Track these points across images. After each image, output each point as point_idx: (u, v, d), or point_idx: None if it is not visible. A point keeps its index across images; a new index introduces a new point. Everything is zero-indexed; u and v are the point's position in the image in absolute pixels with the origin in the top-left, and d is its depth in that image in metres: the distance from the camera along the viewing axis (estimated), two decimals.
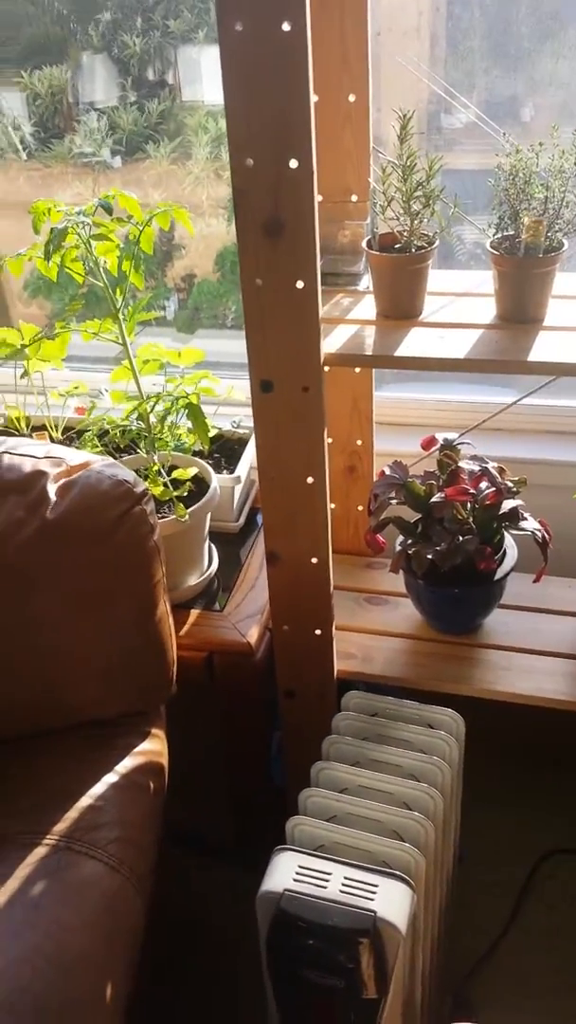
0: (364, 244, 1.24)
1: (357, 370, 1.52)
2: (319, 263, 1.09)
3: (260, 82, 0.98)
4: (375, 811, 1.15)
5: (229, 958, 1.54)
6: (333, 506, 1.64)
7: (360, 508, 1.65)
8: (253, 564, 1.59)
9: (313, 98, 1.25)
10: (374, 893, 1.05)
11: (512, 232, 1.21)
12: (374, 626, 1.56)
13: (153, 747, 1.25)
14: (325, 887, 1.06)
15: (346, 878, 1.06)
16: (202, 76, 1.78)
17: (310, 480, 1.25)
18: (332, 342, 1.21)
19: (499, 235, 1.21)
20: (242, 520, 1.67)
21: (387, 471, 1.47)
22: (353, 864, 1.08)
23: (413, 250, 1.21)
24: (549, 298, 1.22)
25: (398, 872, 1.07)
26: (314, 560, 1.33)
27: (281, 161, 1.01)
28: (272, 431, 1.21)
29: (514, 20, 1.50)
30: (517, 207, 1.18)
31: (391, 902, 1.04)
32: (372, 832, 1.13)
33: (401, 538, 1.48)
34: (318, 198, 1.33)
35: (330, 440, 1.58)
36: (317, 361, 1.15)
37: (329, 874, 1.07)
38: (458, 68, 1.56)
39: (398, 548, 1.47)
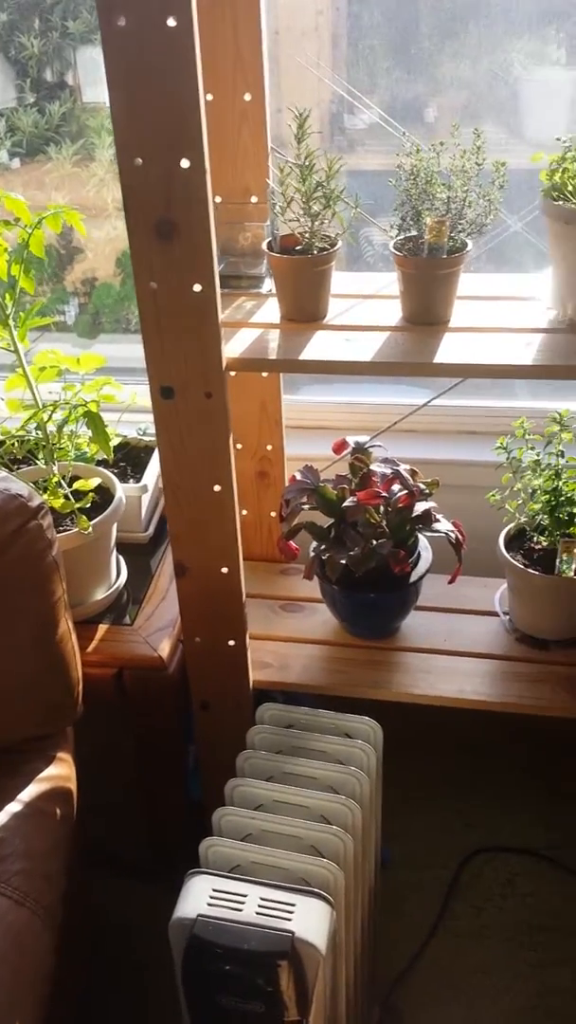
0: (264, 246, 1.21)
1: (264, 374, 1.49)
2: (218, 266, 1.06)
3: (146, 79, 0.94)
4: (292, 827, 1.12)
5: (148, 984, 1.50)
6: (244, 512, 1.62)
7: (272, 514, 1.62)
8: (164, 575, 1.55)
9: (207, 96, 1.24)
10: (291, 913, 1.02)
11: (415, 233, 1.19)
12: (290, 634, 1.53)
13: (59, 772, 1.20)
14: (241, 910, 1.03)
15: (262, 899, 1.03)
16: (103, 78, 1.74)
17: (217, 488, 1.22)
18: (235, 346, 1.18)
19: (402, 236, 1.20)
20: (151, 530, 1.63)
21: (298, 476, 1.45)
22: (269, 884, 1.04)
23: (315, 252, 1.18)
24: (454, 299, 1.21)
25: (316, 889, 1.04)
26: (224, 569, 1.30)
27: (171, 160, 0.97)
28: (176, 438, 1.18)
29: (415, 20, 1.49)
30: (419, 207, 1.17)
31: (309, 921, 1.01)
32: (289, 849, 1.10)
33: (314, 544, 1.45)
34: (216, 199, 1.31)
35: (239, 446, 1.55)
36: (219, 366, 1.12)
37: (244, 896, 1.03)
38: (360, 69, 1.55)
39: (311, 554, 1.45)
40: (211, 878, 1.05)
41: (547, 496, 1.44)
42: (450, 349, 1.16)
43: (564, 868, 1.64)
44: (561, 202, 1.13)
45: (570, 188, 1.13)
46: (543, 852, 1.66)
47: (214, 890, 1.04)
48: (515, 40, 1.49)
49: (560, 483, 1.43)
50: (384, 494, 1.41)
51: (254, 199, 1.31)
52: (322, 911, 1.03)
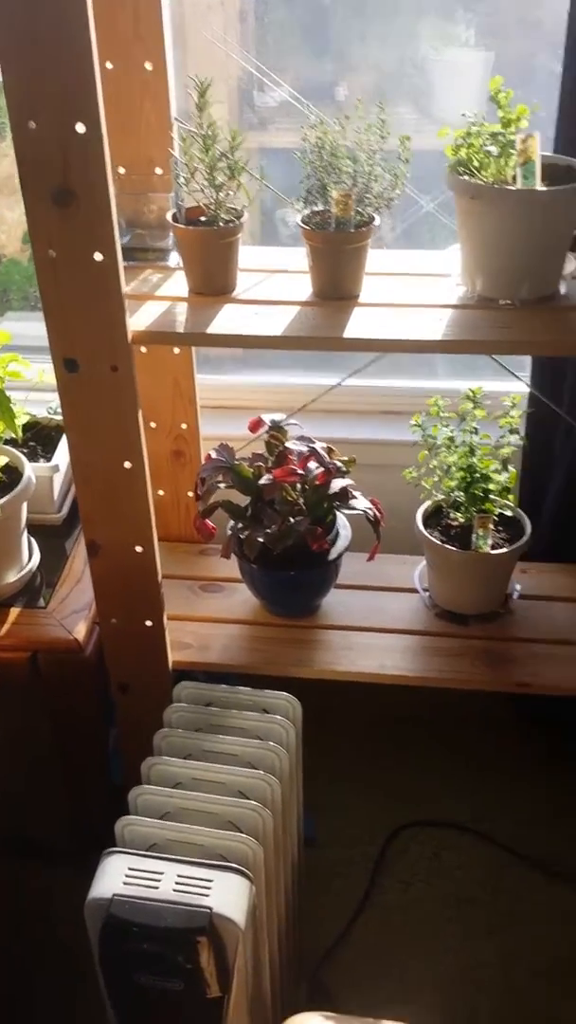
0: (169, 218, 1.20)
1: (176, 350, 1.47)
2: (123, 238, 1.04)
3: (37, 39, 0.92)
4: (209, 803, 1.11)
5: (72, 967, 1.47)
6: (161, 493, 1.60)
7: (190, 494, 1.61)
8: (79, 557, 1.52)
9: (107, 65, 1.22)
10: (209, 889, 1.01)
11: (323, 207, 1.19)
12: (210, 614, 1.52)
13: None
14: (157, 887, 1.01)
15: (179, 876, 1.02)
16: None
17: (128, 465, 1.20)
18: (141, 319, 1.16)
19: (309, 210, 1.19)
20: (65, 511, 1.60)
21: (213, 454, 1.44)
22: (186, 861, 1.03)
23: (221, 224, 1.17)
24: (363, 274, 1.21)
25: (234, 864, 1.03)
26: (139, 548, 1.28)
27: (67, 124, 0.95)
28: (82, 414, 1.16)
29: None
30: (325, 180, 1.17)
31: (228, 896, 1.00)
32: (207, 825, 1.09)
33: (231, 522, 1.44)
34: (120, 170, 1.30)
35: (153, 424, 1.53)
36: (124, 339, 1.10)
37: (161, 873, 1.02)
38: (269, 46, 1.54)
39: (229, 533, 1.44)
40: (127, 857, 1.04)
41: (462, 473, 1.45)
42: (360, 324, 1.16)
43: (489, 840, 1.66)
44: (467, 177, 1.14)
45: (475, 163, 1.14)
46: (468, 825, 1.69)
47: (130, 869, 1.03)
48: (424, 20, 1.50)
49: (474, 460, 1.44)
50: (300, 471, 1.41)
51: (159, 171, 1.29)
52: (241, 886, 1.02)
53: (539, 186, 1.13)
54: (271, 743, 1.18)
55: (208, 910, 0.99)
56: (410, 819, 1.70)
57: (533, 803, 1.72)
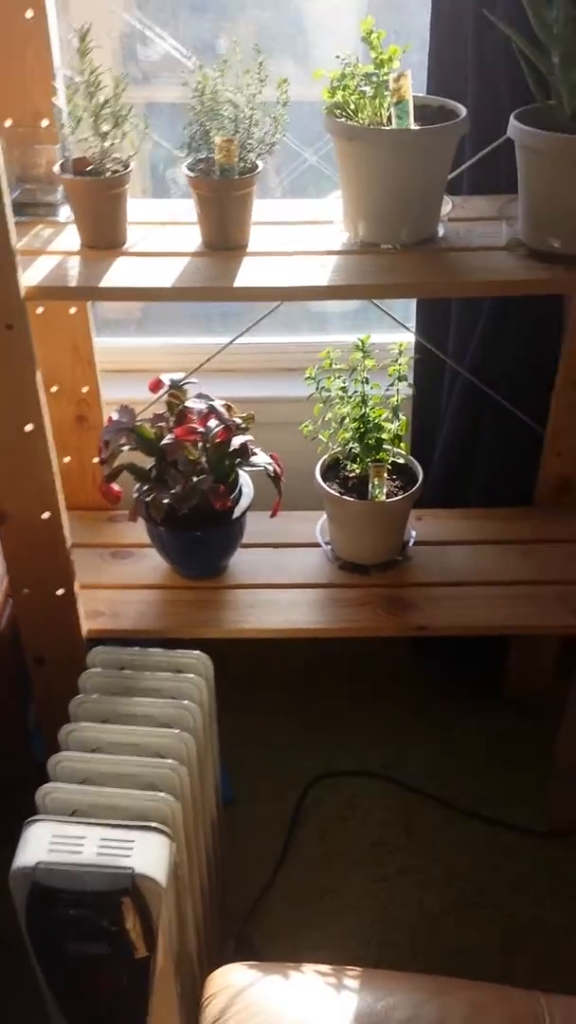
0: (57, 169, 1.16)
1: (72, 311, 1.44)
2: (13, 193, 1.01)
3: None
4: (127, 765, 1.10)
5: (4, 943, 1.45)
6: (67, 459, 1.57)
7: (95, 460, 1.57)
8: None
9: None
10: (131, 849, 1.00)
11: (207, 155, 1.17)
12: (121, 580, 1.51)
13: None
14: (81, 852, 1.00)
15: (102, 839, 1.01)
16: None
17: (29, 428, 1.17)
18: (33, 275, 1.13)
19: (193, 158, 1.18)
20: None
21: (115, 416, 1.42)
22: (108, 824, 1.02)
23: (108, 174, 1.14)
24: (249, 223, 1.21)
25: (154, 824, 1.03)
26: (45, 515, 1.25)
27: None
28: None
29: None
30: (207, 126, 1.15)
31: (149, 855, 1.00)
32: (127, 787, 1.08)
33: (137, 485, 1.43)
34: (7, 123, 1.25)
35: (54, 388, 1.50)
36: (17, 295, 1.07)
37: (83, 838, 1.01)
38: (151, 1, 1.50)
39: (135, 496, 1.42)
40: (49, 824, 1.03)
41: (356, 424, 1.46)
42: (249, 273, 1.16)
43: (398, 784, 1.70)
44: (343, 119, 1.14)
45: (351, 105, 1.14)
46: (378, 772, 1.72)
47: (53, 836, 1.01)
48: None
49: (367, 410, 1.46)
50: (201, 429, 1.40)
51: (45, 122, 1.25)
52: (161, 844, 1.02)
53: (413, 126, 1.14)
54: (185, 701, 1.17)
55: (130, 870, 0.98)
56: (325, 770, 1.72)
57: (437, 744, 1.78)
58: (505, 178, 1.32)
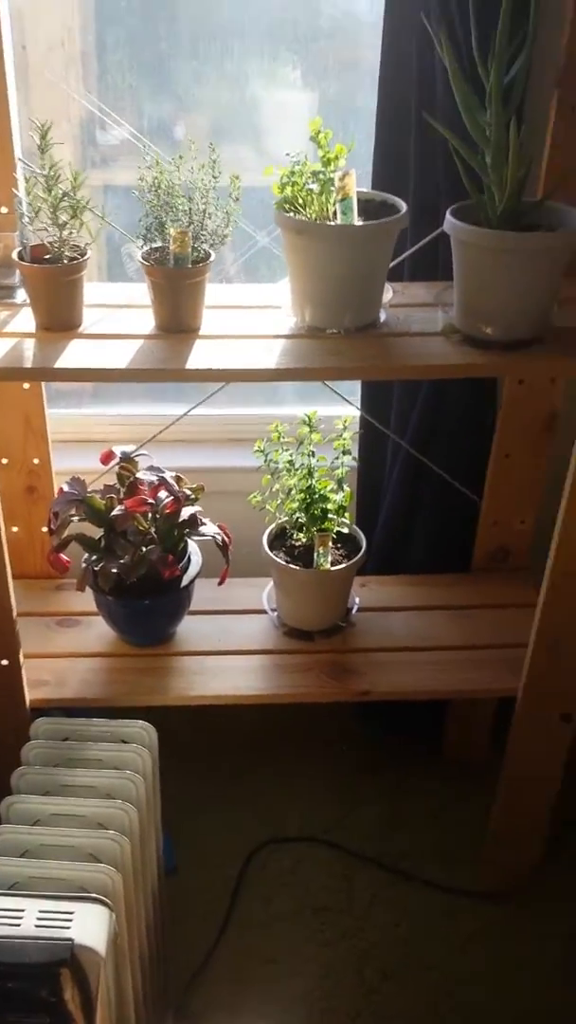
0: (15, 256, 1.21)
1: (25, 386, 1.48)
2: None
3: None
4: (69, 837, 1.11)
5: None
6: (15, 529, 1.59)
7: (44, 529, 1.60)
8: None
9: None
10: (70, 921, 1.01)
11: (161, 244, 1.23)
12: (67, 649, 1.52)
13: None
14: (19, 924, 1.01)
15: (41, 911, 1.02)
16: None
17: None
18: None
19: (148, 247, 1.23)
20: None
21: (66, 488, 1.45)
22: (46, 896, 1.03)
23: (65, 261, 1.19)
24: (203, 307, 1.26)
25: (94, 895, 1.04)
26: None
27: None
28: None
29: (156, 40, 1.53)
30: (162, 218, 1.21)
31: (88, 926, 1.01)
32: (68, 858, 1.09)
33: (86, 555, 1.45)
34: None
35: (4, 460, 1.53)
36: None
37: (22, 910, 1.02)
38: (109, 85, 1.57)
39: (83, 565, 1.44)
40: None
41: (302, 495, 1.51)
42: (200, 355, 1.20)
43: (340, 849, 1.72)
44: (291, 214, 1.21)
45: (300, 200, 1.21)
46: (321, 837, 1.74)
47: None
48: (252, 63, 1.56)
49: (313, 481, 1.51)
50: (151, 501, 1.43)
51: (3, 210, 1.30)
52: (101, 915, 1.03)
53: (356, 221, 1.21)
54: (127, 771, 1.19)
55: (70, 942, 0.99)
56: (269, 836, 1.74)
57: (379, 807, 1.80)
58: (443, 263, 1.40)
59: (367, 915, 1.62)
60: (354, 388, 1.68)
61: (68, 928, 1.00)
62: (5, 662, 1.35)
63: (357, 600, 1.63)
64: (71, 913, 1.01)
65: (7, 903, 1.02)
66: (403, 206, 1.24)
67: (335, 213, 1.21)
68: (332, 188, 1.21)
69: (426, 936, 1.59)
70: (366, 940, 1.58)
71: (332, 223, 1.21)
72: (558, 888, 1.66)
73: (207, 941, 1.57)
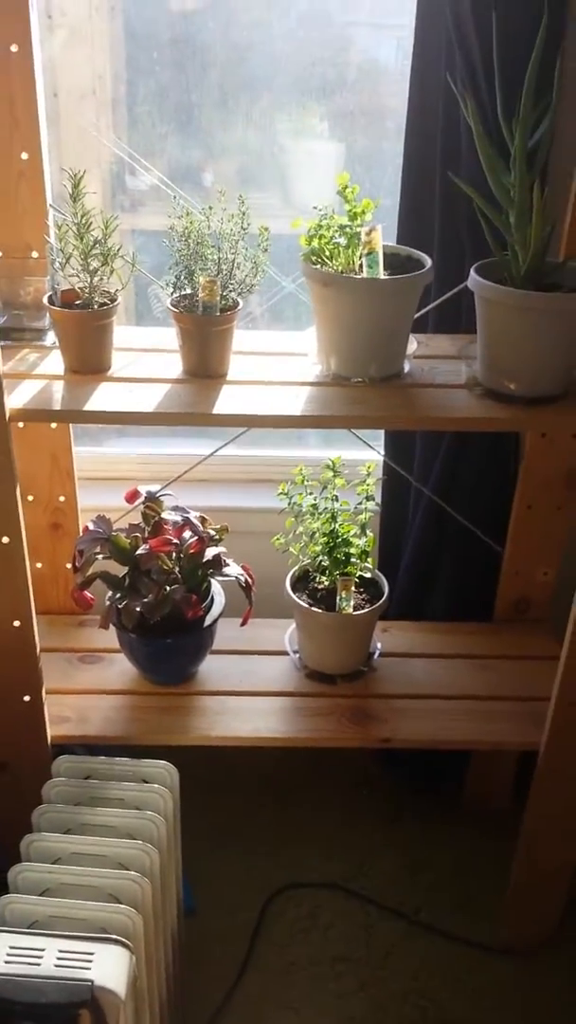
0: (46, 300, 1.24)
1: (53, 425, 1.50)
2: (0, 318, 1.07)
3: None
4: (89, 877, 1.11)
5: None
6: (39, 565, 1.61)
7: (68, 566, 1.62)
8: None
9: None
10: (90, 961, 1.01)
11: (190, 291, 1.25)
12: (89, 685, 1.53)
13: None
14: (39, 964, 1.01)
15: (61, 951, 1.02)
16: None
17: (5, 540, 1.22)
18: (19, 397, 1.19)
19: (178, 294, 1.26)
20: None
21: (91, 526, 1.46)
22: (67, 936, 1.04)
23: (95, 307, 1.22)
24: (230, 353, 1.28)
25: (114, 936, 1.04)
26: (16, 623, 1.29)
27: None
28: None
29: (187, 89, 1.58)
30: (192, 267, 1.23)
31: (108, 967, 1.01)
32: (88, 898, 1.09)
33: (110, 593, 1.47)
34: None
35: (30, 497, 1.55)
36: (2, 416, 1.13)
37: (42, 950, 1.02)
38: (139, 132, 1.61)
39: (107, 603, 1.46)
40: (7, 936, 1.04)
41: (325, 538, 1.52)
42: (227, 400, 1.22)
43: (359, 896, 1.70)
44: (319, 266, 1.23)
45: (326, 253, 1.23)
46: (340, 884, 1.72)
47: (11, 947, 1.02)
48: (282, 112, 1.60)
49: (336, 525, 1.52)
50: (175, 541, 1.45)
51: (35, 254, 1.33)
52: (121, 957, 1.03)
53: (382, 275, 1.23)
54: (149, 812, 1.19)
55: (89, 983, 0.99)
56: (287, 881, 1.72)
57: (399, 855, 1.78)
58: (467, 315, 1.42)
59: (386, 966, 1.60)
60: (378, 434, 1.70)
61: (88, 969, 1.00)
62: (28, 698, 1.36)
63: (379, 645, 1.63)
64: (91, 954, 1.02)
65: (27, 942, 1.03)
66: (428, 261, 1.26)
67: (361, 265, 1.24)
68: (358, 242, 1.23)
69: (445, 989, 1.56)
70: (384, 991, 1.56)
71: (358, 276, 1.23)
72: None
73: (225, 986, 1.55)
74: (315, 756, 1.69)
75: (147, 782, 1.25)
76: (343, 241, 1.23)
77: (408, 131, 1.41)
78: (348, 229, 1.23)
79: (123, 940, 1.04)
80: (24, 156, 1.28)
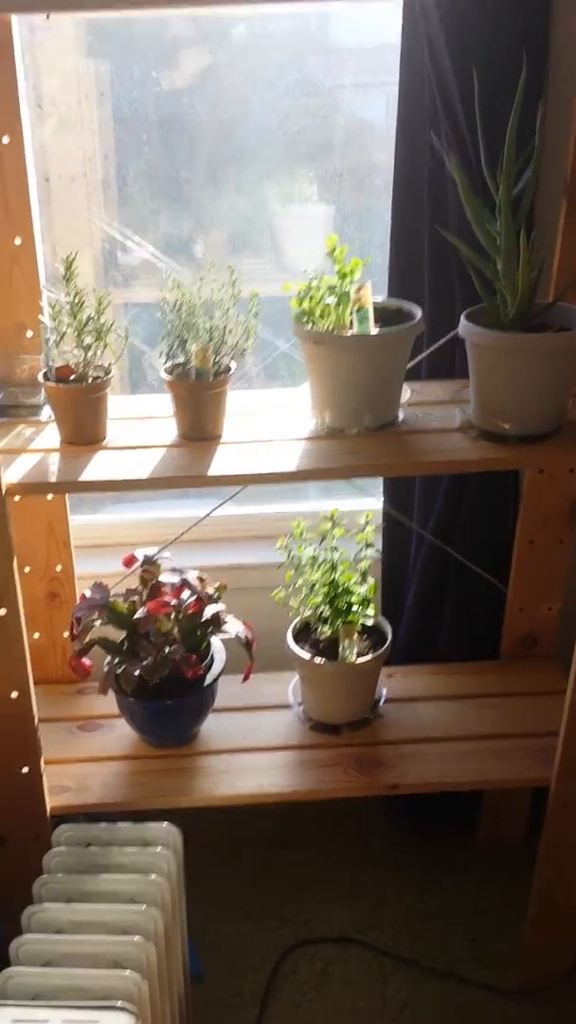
0: (41, 377, 1.28)
1: (49, 496, 1.53)
2: None
3: None
4: (92, 945, 1.11)
5: None
6: (37, 635, 1.63)
7: (66, 635, 1.63)
8: None
9: None
10: None
11: (183, 359, 1.29)
12: (88, 753, 1.53)
13: None
14: None
15: (65, 1021, 1.02)
16: None
17: (3, 612, 1.24)
18: (16, 471, 1.23)
19: (171, 363, 1.30)
20: None
21: (88, 593, 1.48)
22: (70, 1006, 1.04)
23: (89, 380, 1.26)
24: (224, 416, 1.32)
25: (119, 1003, 1.04)
26: (14, 695, 1.30)
27: None
28: None
29: (175, 167, 1.64)
30: (184, 336, 1.27)
31: None
32: (92, 966, 1.09)
33: (108, 658, 1.48)
34: None
35: (27, 568, 1.57)
36: None
37: (46, 1021, 1.02)
38: (129, 210, 1.67)
39: (105, 669, 1.47)
40: (11, 1009, 1.04)
41: (326, 588, 1.54)
42: (222, 461, 1.25)
43: (372, 948, 1.69)
44: (310, 326, 1.27)
45: (317, 313, 1.27)
46: (352, 936, 1.71)
47: (14, 1020, 1.02)
48: (269, 180, 1.66)
49: (336, 575, 1.54)
50: (173, 602, 1.47)
51: (29, 333, 1.38)
52: (126, 1023, 1.03)
53: (372, 330, 1.27)
54: (152, 875, 1.20)
55: None
56: (297, 939, 1.71)
57: (411, 903, 1.77)
58: (459, 361, 1.45)
59: (401, 1017, 1.58)
60: (377, 481, 1.72)
61: None
62: (26, 769, 1.36)
63: (384, 691, 1.64)
64: (96, 1022, 1.02)
65: (30, 1014, 1.03)
66: (418, 312, 1.30)
67: (351, 322, 1.28)
68: (348, 300, 1.27)
69: None
70: None
71: (349, 333, 1.27)
72: None
73: None
74: (322, 808, 1.69)
75: (149, 845, 1.25)
76: (333, 300, 1.27)
77: (396, 187, 1.46)
78: (337, 288, 1.27)
79: (127, 1006, 1.04)
80: (17, 241, 1.33)
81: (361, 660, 1.53)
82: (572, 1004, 1.59)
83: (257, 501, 1.83)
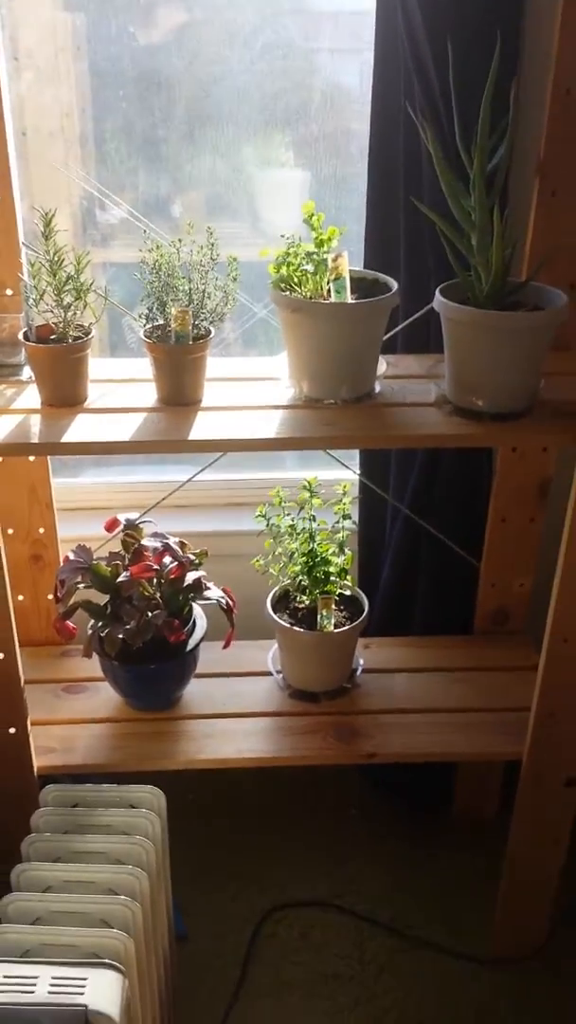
0: (21, 336, 1.26)
1: (31, 458, 1.52)
2: None
3: None
4: (80, 903, 1.12)
5: None
6: (21, 598, 1.62)
7: (50, 597, 1.63)
8: None
9: None
10: (83, 986, 1.02)
11: (162, 321, 1.28)
12: (73, 715, 1.54)
13: None
14: (33, 992, 1.02)
15: (54, 978, 1.03)
16: None
17: None
18: None
19: (150, 325, 1.28)
20: None
21: (71, 556, 1.48)
22: (59, 962, 1.05)
23: (70, 340, 1.24)
24: (204, 381, 1.31)
25: (107, 960, 1.05)
26: (0, 656, 1.30)
27: None
28: None
29: (153, 124, 1.61)
30: (164, 298, 1.26)
31: (102, 992, 1.02)
32: (79, 925, 1.10)
33: (92, 621, 1.48)
34: None
35: (10, 531, 1.56)
36: None
37: (35, 977, 1.03)
38: (107, 167, 1.64)
39: (89, 632, 1.47)
40: (0, 965, 1.04)
41: (304, 558, 1.55)
42: (202, 426, 1.25)
43: (350, 913, 1.71)
44: (288, 293, 1.26)
45: (295, 279, 1.26)
46: (330, 901, 1.73)
47: (4, 976, 1.03)
48: (247, 143, 1.64)
49: (315, 545, 1.54)
50: (156, 567, 1.47)
51: (9, 292, 1.36)
52: (114, 981, 1.04)
53: (349, 299, 1.26)
54: (137, 836, 1.21)
55: (83, 1008, 1.00)
56: (278, 902, 1.73)
57: (389, 871, 1.80)
58: (434, 336, 1.45)
59: (378, 981, 1.61)
60: (353, 453, 1.73)
61: (82, 994, 1.01)
62: (13, 730, 1.37)
63: (361, 662, 1.66)
64: (84, 979, 1.03)
65: (20, 970, 1.04)
66: (394, 285, 1.29)
67: (329, 291, 1.27)
68: (326, 268, 1.26)
69: (439, 1004, 1.58)
70: (378, 1007, 1.57)
71: (326, 302, 1.26)
72: (572, 952, 1.65)
73: (219, 1010, 1.56)
74: (302, 778, 1.70)
75: (134, 807, 1.26)
76: (311, 268, 1.26)
77: (371, 158, 1.45)
78: (315, 256, 1.26)
79: (115, 964, 1.05)
80: None
81: (339, 630, 1.54)
82: (546, 972, 1.63)
83: (237, 468, 1.82)
